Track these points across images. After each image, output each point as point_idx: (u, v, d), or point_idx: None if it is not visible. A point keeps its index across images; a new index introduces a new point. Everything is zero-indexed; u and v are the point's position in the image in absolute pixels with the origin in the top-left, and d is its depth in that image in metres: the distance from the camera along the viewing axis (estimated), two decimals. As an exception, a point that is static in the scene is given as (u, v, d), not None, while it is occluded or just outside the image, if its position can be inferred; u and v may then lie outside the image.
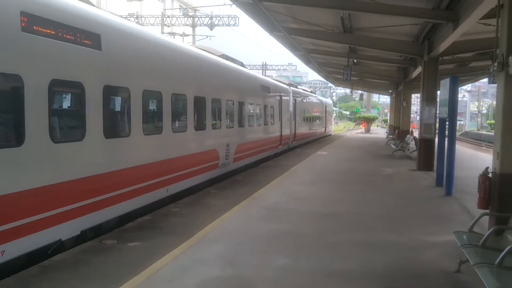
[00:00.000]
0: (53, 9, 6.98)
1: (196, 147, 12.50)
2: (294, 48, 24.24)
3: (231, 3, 21.60)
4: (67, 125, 7.77)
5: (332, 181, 14.64)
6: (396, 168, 18.42)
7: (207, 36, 41.78)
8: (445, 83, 13.01)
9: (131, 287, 5.73)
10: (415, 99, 55.61)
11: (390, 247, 7.71)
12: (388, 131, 44.68)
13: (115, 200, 8.46)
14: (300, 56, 28.46)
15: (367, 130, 58.09)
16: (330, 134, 48.44)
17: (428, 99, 17.38)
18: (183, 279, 6.03)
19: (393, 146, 25.95)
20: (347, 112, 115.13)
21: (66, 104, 7.93)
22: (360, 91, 56.33)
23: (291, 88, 27.44)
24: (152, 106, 10.27)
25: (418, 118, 60.95)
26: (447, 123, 13.36)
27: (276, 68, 68.74)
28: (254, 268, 6.48)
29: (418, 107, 57.30)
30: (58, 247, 7.13)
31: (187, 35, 41.02)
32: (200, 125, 12.68)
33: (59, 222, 6.98)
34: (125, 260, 6.77)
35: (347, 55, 22.75)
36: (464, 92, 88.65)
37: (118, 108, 9.16)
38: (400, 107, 30.89)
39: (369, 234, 8.50)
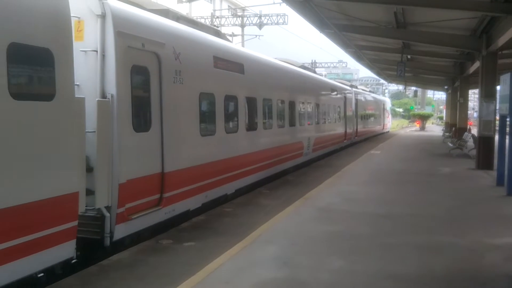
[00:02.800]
0: (224, 51, 11.15)
1: (290, 139, 16.16)
2: (345, 45, 23.97)
3: (281, 1, 21.53)
4: (230, 123, 11.37)
5: (386, 181, 14.34)
6: (453, 167, 17.83)
7: (256, 36, 41.85)
8: (505, 78, 12.52)
9: (188, 287, 5.78)
10: (472, 95, 53.72)
11: (450, 249, 7.46)
12: (444, 128, 43.44)
13: (252, 171, 12.60)
14: (351, 53, 28.15)
15: (422, 128, 56.60)
16: (388, 131, 50.04)
17: (487, 95, 16.75)
18: (238, 280, 6.05)
19: (450, 144, 25.21)
20: (400, 109, 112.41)
21: (230, 109, 11.46)
22: (414, 88, 55.02)
23: (353, 89, 30.43)
24: (265, 110, 13.85)
25: (475, 115, 58.76)
26: (508, 119, 12.85)
27: (326, 65, 67.83)
28: (310, 270, 6.41)
29: (475, 104, 55.14)
30: (225, 199, 11.14)
31: (236, 35, 41.23)
32: (292, 122, 16.32)
33: (227, 182, 10.95)
34: (181, 260, 6.86)
35: (400, 51, 22.29)
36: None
37: (252, 111, 12.86)
38: (457, 104, 29.90)
39: (426, 235, 8.25)
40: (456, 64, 28.09)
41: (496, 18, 14.77)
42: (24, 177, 5.34)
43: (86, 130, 6.36)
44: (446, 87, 40.89)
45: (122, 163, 7.10)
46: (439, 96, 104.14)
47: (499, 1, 12.83)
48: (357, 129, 30.54)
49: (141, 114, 7.88)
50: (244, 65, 12.03)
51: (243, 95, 11.97)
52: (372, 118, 38.59)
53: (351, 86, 30.94)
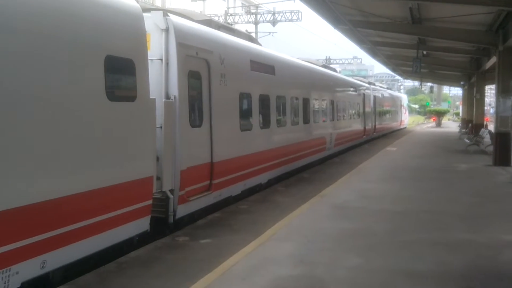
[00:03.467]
0: (258, 55, 12.45)
1: (314, 135, 17.27)
2: (360, 41, 23.81)
3: (295, -2, 21.49)
4: (264, 119, 12.49)
5: (402, 178, 14.24)
6: (470, 164, 17.67)
7: (270, 33, 41.75)
8: (523, 73, 12.39)
9: (205, 284, 5.82)
10: (488, 90, 53.01)
11: (467, 246, 7.40)
12: (460, 124, 43.01)
13: (282, 164, 13.71)
14: (366, 49, 27.97)
15: (438, 124, 56.07)
16: (405, 127, 50.09)
17: (504, 91, 16.58)
18: (255, 277, 6.06)
19: (466, 140, 24.94)
20: (416, 106, 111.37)
21: (264, 107, 12.48)
22: (429, 84, 54.48)
23: (371, 86, 31.63)
24: (293, 107, 14.90)
25: (491, 111, 58.06)
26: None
27: (340, 62, 67.32)
28: (326, 268, 6.40)
29: (492, 99, 54.59)
30: (259, 187, 12.31)
31: (249, 33, 41.06)
32: (316, 119, 17.39)
33: (261, 173, 12.19)
34: (198, 257, 6.89)
35: (416, 47, 22.08)
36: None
37: (281, 109, 13.97)
38: (473, 100, 29.56)
39: (444, 232, 8.19)
40: (472, 59, 27.76)
41: (513, 13, 14.57)
42: (118, 162, 6.61)
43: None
44: (462, 83, 40.44)
45: (182, 153, 8.45)
46: (455, 92, 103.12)
47: (516, -5, 12.67)
48: (375, 125, 31.41)
49: (196, 112, 9.15)
50: (275, 67, 13.23)
51: (274, 94, 13.13)
52: (389, 115, 39.18)
53: (369, 83, 31.80)
